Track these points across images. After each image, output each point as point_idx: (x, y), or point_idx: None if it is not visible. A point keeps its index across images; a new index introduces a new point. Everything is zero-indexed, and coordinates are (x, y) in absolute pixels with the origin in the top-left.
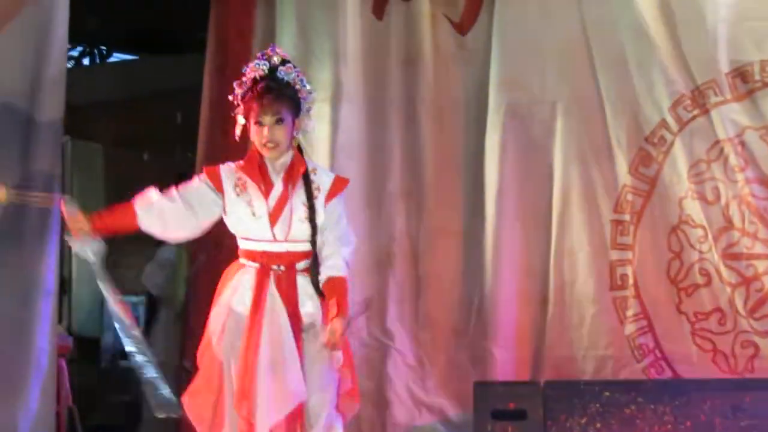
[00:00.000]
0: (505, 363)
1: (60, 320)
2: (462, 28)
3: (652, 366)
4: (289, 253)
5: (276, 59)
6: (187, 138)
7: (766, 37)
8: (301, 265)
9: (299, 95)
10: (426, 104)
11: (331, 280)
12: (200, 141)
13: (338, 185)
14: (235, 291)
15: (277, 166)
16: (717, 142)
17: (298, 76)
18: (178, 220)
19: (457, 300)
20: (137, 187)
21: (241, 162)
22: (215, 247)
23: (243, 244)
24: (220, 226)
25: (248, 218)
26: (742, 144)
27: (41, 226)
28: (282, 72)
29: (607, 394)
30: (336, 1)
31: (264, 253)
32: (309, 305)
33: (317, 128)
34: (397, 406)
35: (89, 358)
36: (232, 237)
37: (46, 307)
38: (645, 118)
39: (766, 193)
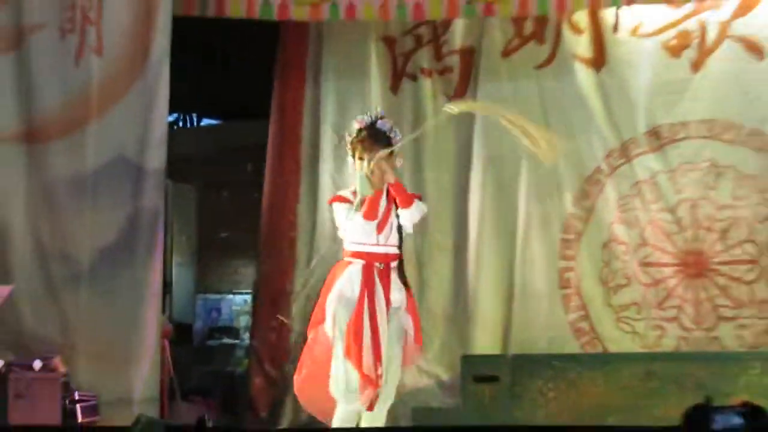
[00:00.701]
0: (483, 341)
1: (163, 311)
2: (454, 100)
3: (588, 344)
4: (387, 254)
5: (376, 115)
6: (255, 181)
7: (673, 106)
8: (394, 263)
9: (392, 142)
10: (428, 154)
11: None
12: (266, 183)
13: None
14: (347, 281)
15: (383, 193)
16: (637, 182)
17: (391, 128)
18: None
19: (449, 297)
20: (219, 216)
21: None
22: None
23: (351, 247)
24: None
25: (361, 226)
26: (655, 184)
27: (149, 243)
28: (380, 123)
29: (556, 363)
30: (364, 82)
31: (366, 254)
32: (397, 294)
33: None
34: (405, 374)
35: (185, 339)
36: None
37: (153, 302)
38: (585, 165)
39: (671, 219)
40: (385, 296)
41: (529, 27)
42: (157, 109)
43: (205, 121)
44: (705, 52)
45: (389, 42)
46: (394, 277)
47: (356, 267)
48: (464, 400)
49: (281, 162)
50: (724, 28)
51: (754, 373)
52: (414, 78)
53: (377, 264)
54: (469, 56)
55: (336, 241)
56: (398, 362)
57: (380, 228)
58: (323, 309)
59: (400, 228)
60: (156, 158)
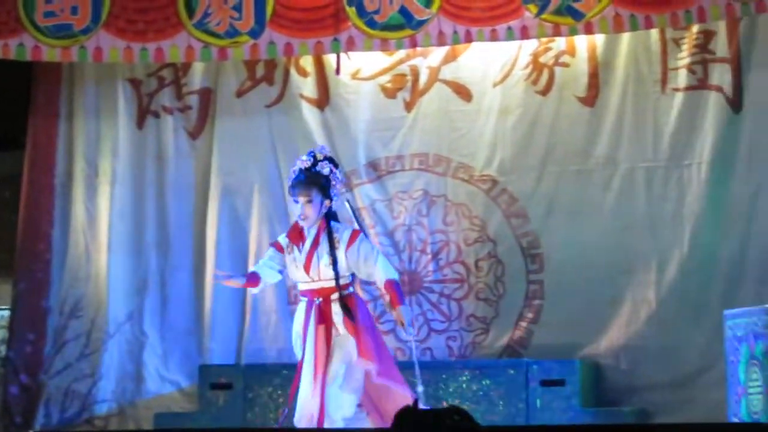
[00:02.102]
0: (219, 352)
1: None
2: (194, 135)
3: None
4: (323, 289)
5: (319, 156)
6: (12, 206)
7: (389, 142)
8: (335, 295)
9: (330, 184)
10: (170, 184)
11: (384, 289)
12: (21, 208)
13: (353, 236)
14: (297, 319)
15: (310, 231)
16: (357, 209)
17: (332, 171)
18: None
19: (189, 312)
20: None
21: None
22: None
23: (299, 286)
24: None
25: (294, 268)
26: (374, 210)
27: None
28: (319, 166)
29: (284, 371)
30: (113, 118)
31: (308, 291)
32: (340, 323)
33: (101, 200)
34: (149, 381)
35: None
36: None
37: None
38: None
39: (388, 242)
40: (326, 327)
41: (260, 70)
42: None
43: None
44: (417, 93)
45: (135, 83)
46: (336, 308)
47: (302, 305)
48: (201, 405)
49: (35, 190)
50: (434, 72)
51: (463, 380)
52: (157, 115)
53: (316, 299)
54: (207, 96)
55: (90, 261)
56: (340, 382)
57: (306, 269)
58: None
59: (335, 263)
60: None
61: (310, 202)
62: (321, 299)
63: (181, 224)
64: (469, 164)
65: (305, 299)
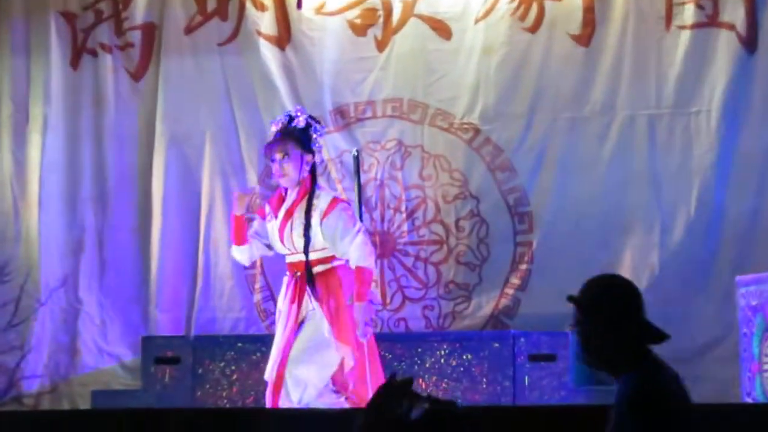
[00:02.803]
0: (166, 322)
1: None
2: (136, 76)
3: (273, 324)
4: (301, 262)
5: (295, 114)
6: None
7: (358, 85)
8: (317, 269)
9: (308, 136)
10: (110, 132)
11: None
12: None
13: (332, 204)
14: (281, 295)
15: (290, 195)
16: (323, 160)
17: (310, 124)
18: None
19: (131, 277)
20: None
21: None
22: None
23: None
24: None
25: (274, 238)
26: (341, 162)
27: None
28: (294, 122)
29: (239, 344)
30: (43, 56)
31: (289, 264)
32: (307, 303)
33: (32, 150)
34: (85, 354)
35: None
36: None
37: None
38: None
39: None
40: (298, 304)
41: (212, 3)
42: None
43: None
44: (390, 30)
45: (69, 17)
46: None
47: (285, 279)
48: (145, 382)
49: None
50: (409, 6)
51: (441, 355)
52: (94, 53)
53: (296, 273)
54: (151, 32)
55: (19, 218)
56: (301, 363)
57: (281, 238)
58: None
59: (306, 232)
60: None
61: (287, 155)
62: (299, 273)
63: (122, 177)
64: (449, 111)
65: (288, 274)
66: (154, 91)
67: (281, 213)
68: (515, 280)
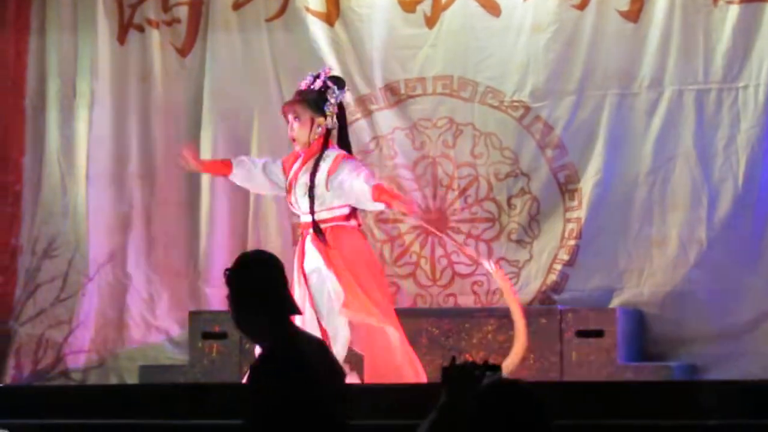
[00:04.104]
0: (214, 297)
1: None
2: (183, 52)
3: None
4: (307, 224)
5: (318, 75)
6: None
7: (408, 61)
8: (324, 226)
9: (324, 99)
10: (156, 107)
11: (375, 192)
12: None
13: (336, 160)
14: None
15: (302, 156)
16: (375, 137)
17: (327, 87)
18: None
19: (180, 251)
20: None
21: None
22: None
23: None
24: None
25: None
26: (393, 140)
27: None
28: (315, 84)
29: None
30: (90, 32)
31: (298, 224)
32: (312, 261)
33: (79, 125)
34: (133, 329)
35: None
36: None
37: None
38: None
39: (410, 175)
40: (301, 263)
41: None
42: None
43: None
44: (440, 7)
45: None
46: (310, 244)
47: (302, 240)
48: (192, 356)
49: (2, 113)
50: None
51: (488, 330)
52: (141, 29)
53: (306, 233)
54: (198, 7)
55: (67, 194)
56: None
57: (288, 198)
58: None
59: (311, 190)
60: None
61: (297, 118)
62: (306, 233)
63: (169, 152)
64: (498, 88)
65: (303, 234)
66: (201, 67)
67: (290, 174)
68: (564, 256)
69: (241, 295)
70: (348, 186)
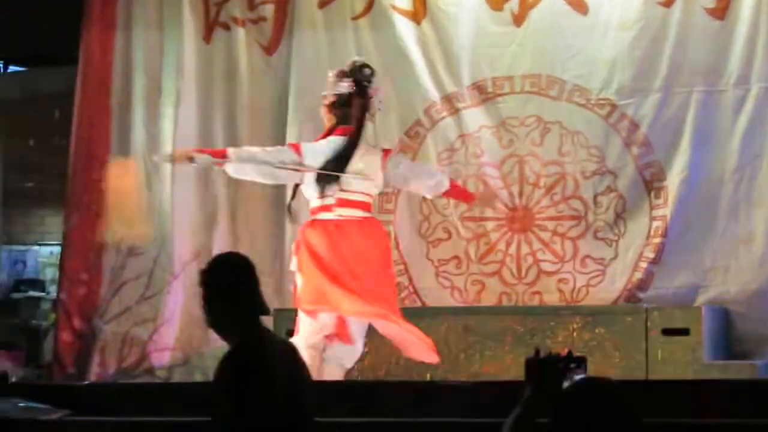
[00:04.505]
0: None
1: None
2: (269, 50)
3: (407, 298)
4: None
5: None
6: (63, 129)
7: (495, 59)
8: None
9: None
10: (242, 106)
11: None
12: (73, 131)
13: (384, 153)
14: None
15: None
16: (461, 135)
17: (368, 76)
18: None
19: (266, 249)
20: (25, 165)
21: None
22: None
23: None
24: None
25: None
26: (479, 138)
27: None
28: (357, 73)
29: None
30: (176, 30)
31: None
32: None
33: (165, 123)
34: None
35: None
36: None
37: None
38: (404, 118)
39: (496, 173)
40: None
41: None
42: None
43: (12, 68)
44: (527, 5)
45: None
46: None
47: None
48: None
49: (89, 110)
50: None
51: (574, 328)
52: (227, 27)
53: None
54: (284, 5)
55: (151, 192)
56: None
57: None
58: None
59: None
60: None
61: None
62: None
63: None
64: (585, 86)
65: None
66: (286, 66)
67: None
68: (649, 254)
69: (213, 294)
70: (414, 172)
